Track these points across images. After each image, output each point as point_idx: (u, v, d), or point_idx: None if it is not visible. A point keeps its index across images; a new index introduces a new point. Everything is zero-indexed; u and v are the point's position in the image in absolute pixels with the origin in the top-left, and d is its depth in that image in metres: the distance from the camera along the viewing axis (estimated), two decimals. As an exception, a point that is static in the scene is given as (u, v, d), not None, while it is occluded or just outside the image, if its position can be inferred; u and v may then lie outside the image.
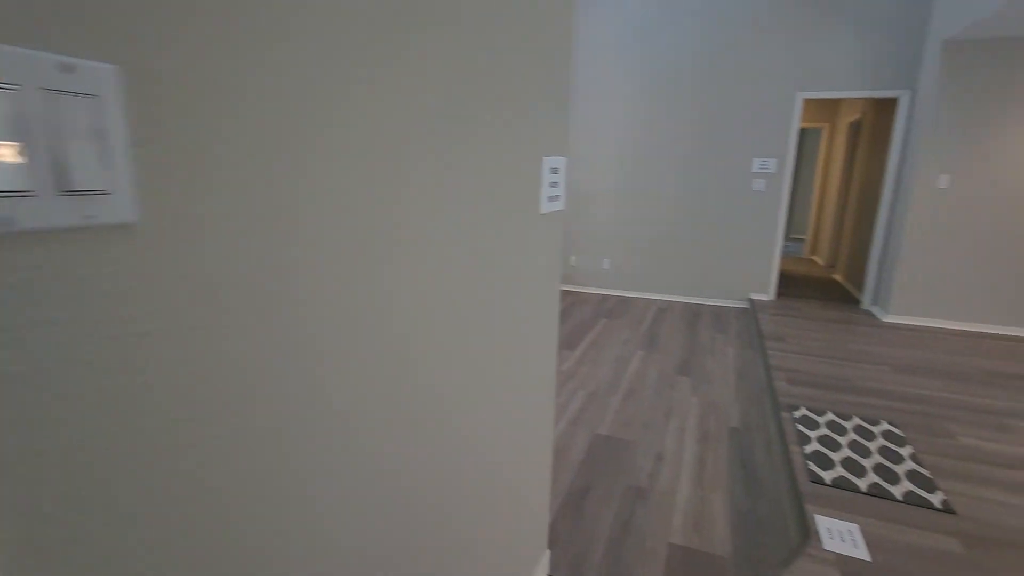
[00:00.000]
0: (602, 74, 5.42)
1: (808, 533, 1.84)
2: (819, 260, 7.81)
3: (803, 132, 9.37)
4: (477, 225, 0.93)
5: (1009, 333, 4.29)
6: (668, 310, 5.24)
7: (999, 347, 3.96)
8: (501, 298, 1.07)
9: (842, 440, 2.48)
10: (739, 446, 2.63)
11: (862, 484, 2.12)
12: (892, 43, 4.55)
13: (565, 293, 5.86)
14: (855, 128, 6.56)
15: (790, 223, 9.66)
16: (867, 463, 2.28)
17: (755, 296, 5.33)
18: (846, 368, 3.46)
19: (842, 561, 1.70)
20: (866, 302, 5.03)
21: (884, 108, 5.31)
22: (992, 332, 4.32)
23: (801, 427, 2.60)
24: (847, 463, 2.27)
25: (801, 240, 9.63)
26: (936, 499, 2.04)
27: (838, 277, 6.51)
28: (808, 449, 2.39)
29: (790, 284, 6.09)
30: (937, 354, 3.77)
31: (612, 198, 5.64)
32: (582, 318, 4.88)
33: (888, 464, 2.27)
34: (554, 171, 1.24)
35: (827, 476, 2.17)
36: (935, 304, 4.46)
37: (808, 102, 7.78)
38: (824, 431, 2.56)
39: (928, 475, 2.20)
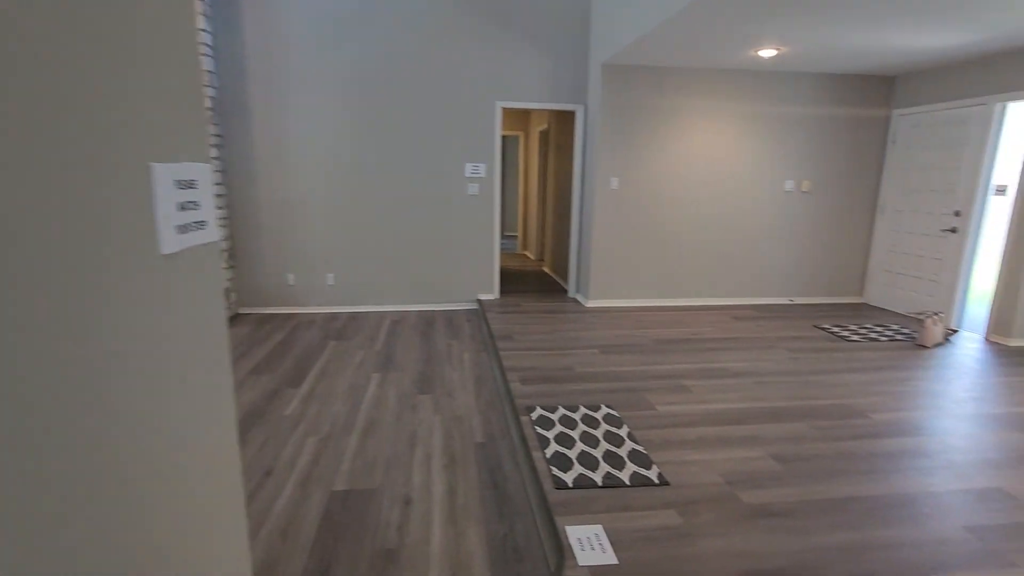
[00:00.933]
0: (303, 69, 4.83)
1: (562, 550, 1.79)
2: (530, 255, 8.69)
3: (505, 139, 10.31)
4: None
5: (670, 304, 5.36)
6: (402, 321, 5.02)
7: (667, 317, 4.89)
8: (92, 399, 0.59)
9: (575, 434, 2.59)
10: (487, 463, 2.53)
11: (598, 477, 2.21)
12: (567, 63, 5.18)
13: (286, 317, 5.11)
14: (545, 136, 7.42)
15: (503, 222, 10.57)
16: (598, 453, 2.41)
17: (482, 296, 5.52)
18: (566, 357, 3.76)
19: (596, 573, 1.68)
20: (571, 290, 5.70)
21: (566, 119, 6.08)
22: (661, 305, 5.34)
23: (540, 429, 2.64)
24: (583, 458, 2.36)
25: (514, 237, 10.63)
26: (654, 474, 2.25)
27: (547, 269, 7.31)
28: (549, 452, 2.41)
29: (510, 280, 6.55)
30: (627, 331, 4.43)
31: (330, 207, 5.12)
32: (308, 344, 4.28)
33: (614, 449, 2.45)
34: (186, 185, 0.79)
35: (568, 478, 2.20)
36: (621, 286, 5.29)
37: (506, 111, 8.52)
38: (559, 428, 2.65)
39: (644, 451, 2.44)
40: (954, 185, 4.59)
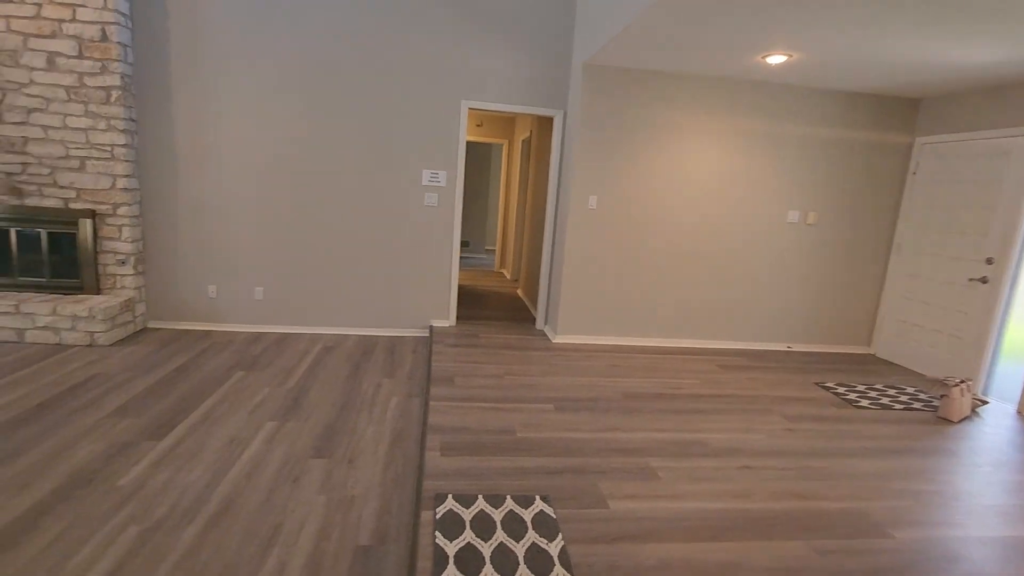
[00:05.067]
0: (235, 49, 4.14)
1: None
2: (507, 274, 7.98)
3: (490, 147, 9.64)
4: None
5: (650, 344, 4.66)
6: (336, 348, 4.29)
7: (643, 362, 4.18)
8: None
9: (486, 549, 1.86)
10: (358, 587, 1.80)
11: (497, 643, 1.48)
12: (546, 61, 4.51)
13: (200, 334, 4.37)
14: (527, 145, 6.75)
15: (483, 233, 9.87)
16: (510, 590, 1.68)
17: (436, 323, 4.80)
18: (511, 413, 3.03)
19: None
20: (540, 322, 4.98)
21: (546, 127, 5.41)
22: (639, 344, 4.63)
23: (441, 536, 1.91)
24: (485, 600, 1.63)
25: (492, 251, 9.94)
26: (583, 639, 1.52)
27: (520, 293, 6.60)
28: (441, 583, 1.69)
29: (475, 303, 5.83)
30: (594, 378, 3.71)
31: (262, 211, 4.41)
32: (208, 374, 3.54)
33: (534, 583, 1.72)
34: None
35: (453, 644, 1.47)
36: (594, 321, 4.58)
37: (488, 118, 7.86)
38: (467, 537, 1.92)
39: (576, 589, 1.71)
40: (987, 227, 3.92)
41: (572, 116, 4.41)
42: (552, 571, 1.78)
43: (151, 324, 4.49)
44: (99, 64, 3.89)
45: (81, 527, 1.99)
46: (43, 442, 2.57)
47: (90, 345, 3.92)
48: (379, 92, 4.36)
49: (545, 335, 4.75)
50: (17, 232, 4.04)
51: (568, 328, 4.57)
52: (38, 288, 4.14)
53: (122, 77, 3.95)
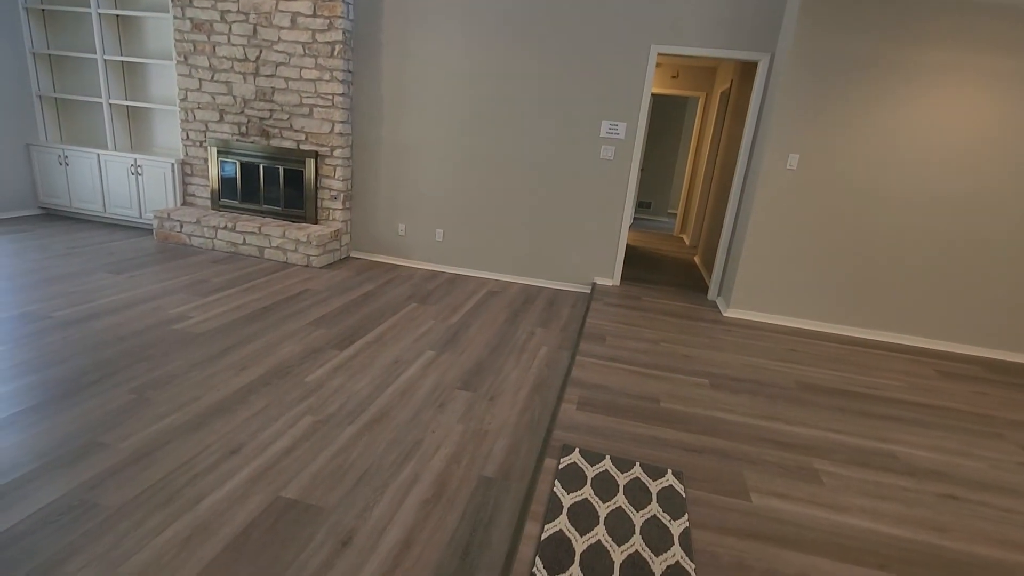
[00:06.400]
0: (435, 15, 4.38)
1: None
2: (686, 239, 7.45)
3: (682, 102, 8.91)
4: None
5: (844, 333, 3.97)
6: (500, 293, 4.47)
7: (831, 352, 3.58)
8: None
9: (604, 509, 1.79)
10: (477, 513, 1.88)
11: (593, 604, 1.43)
12: (756, -4, 3.92)
13: (389, 267, 4.92)
14: (725, 99, 6.06)
15: (667, 196, 9.31)
16: (618, 556, 1.60)
17: (599, 280, 4.70)
18: (659, 382, 2.85)
19: None
20: (712, 292, 4.57)
21: (748, 75, 4.77)
22: (829, 331, 3.98)
23: (559, 486, 1.89)
24: (589, 556, 1.58)
25: (674, 215, 9.34)
26: (688, 628, 1.39)
27: (697, 260, 6.12)
28: (551, 530, 1.68)
29: (644, 265, 5.57)
30: (765, 360, 3.29)
31: (446, 158, 4.71)
32: (388, 301, 3.99)
33: (647, 556, 1.61)
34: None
35: (548, 591, 1.46)
36: (776, 297, 4.04)
37: (685, 68, 7.22)
38: (587, 493, 1.87)
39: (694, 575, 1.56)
40: None
41: (780, 59, 3.80)
42: (669, 549, 1.65)
43: (353, 253, 5.18)
44: (327, 21, 4.44)
45: (274, 408, 2.42)
46: (261, 337, 3.16)
47: (306, 265, 4.67)
48: (565, 39, 4.25)
49: (716, 307, 4.34)
50: (264, 167, 4.93)
51: (743, 302, 4.11)
52: (275, 215, 5.04)
53: (344, 33, 4.47)
